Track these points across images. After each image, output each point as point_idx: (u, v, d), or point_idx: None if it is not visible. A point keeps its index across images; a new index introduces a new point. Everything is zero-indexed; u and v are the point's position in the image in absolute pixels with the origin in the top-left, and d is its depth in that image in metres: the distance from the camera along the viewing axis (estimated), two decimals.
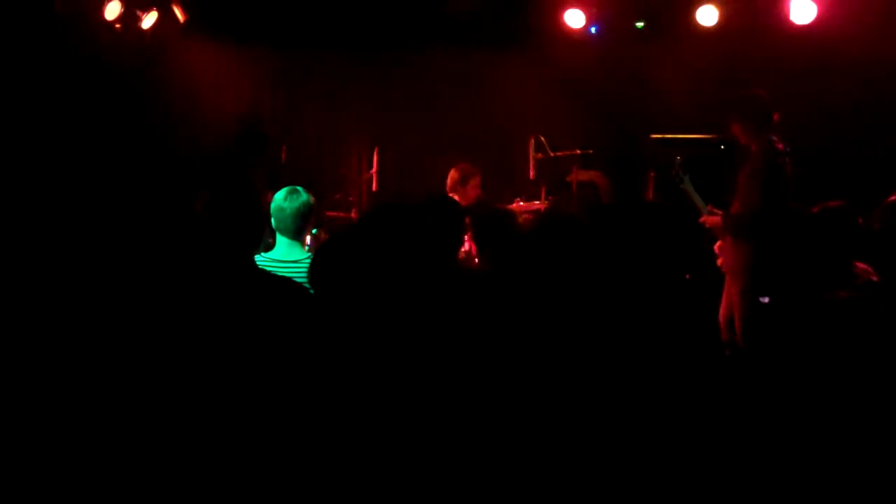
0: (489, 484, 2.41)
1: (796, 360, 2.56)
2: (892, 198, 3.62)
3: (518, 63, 8.29)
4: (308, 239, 4.91)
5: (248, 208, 3.09)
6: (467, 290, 3.28)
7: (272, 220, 4.31)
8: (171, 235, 3.23)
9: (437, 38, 8.19)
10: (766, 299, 5.38)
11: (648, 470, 2.37)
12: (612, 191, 7.62)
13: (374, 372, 2.63)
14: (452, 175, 6.99)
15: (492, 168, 7.77)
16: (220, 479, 2.55)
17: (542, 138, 7.37)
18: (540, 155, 7.39)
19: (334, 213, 7.51)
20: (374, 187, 7.74)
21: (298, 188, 4.38)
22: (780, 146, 5.63)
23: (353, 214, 7.51)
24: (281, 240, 4.34)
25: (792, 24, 7.17)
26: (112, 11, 7.12)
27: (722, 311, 5.72)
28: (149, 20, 7.42)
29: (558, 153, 7.34)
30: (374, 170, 7.73)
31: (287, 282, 3.14)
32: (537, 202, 7.14)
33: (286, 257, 4.29)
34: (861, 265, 3.68)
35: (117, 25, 7.24)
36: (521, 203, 7.00)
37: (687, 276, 3.06)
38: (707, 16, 7.49)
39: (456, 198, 6.59)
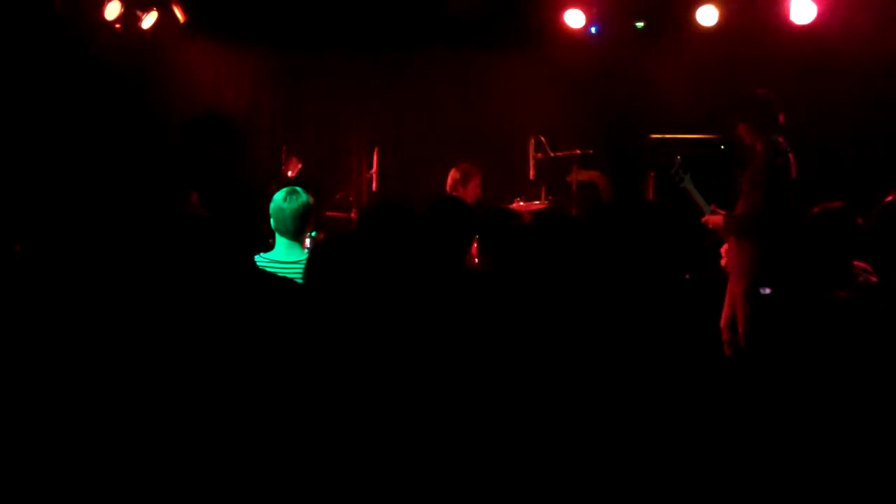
0: (488, 483, 2.41)
1: (796, 359, 2.56)
2: (891, 197, 3.62)
3: (518, 63, 8.29)
4: (307, 240, 4.91)
5: (244, 205, 3.10)
6: (468, 290, 3.28)
7: (272, 221, 4.31)
8: (170, 235, 3.23)
9: (437, 39, 8.19)
10: (768, 290, 5.38)
11: (648, 469, 2.37)
12: (612, 191, 7.63)
13: (375, 371, 2.63)
14: (453, 175, 6.99)
15: (492, 168, 7.77)
16: (219, 478, 2.55)
17: (542, 138, 7.37)
18: (540, 155, 7.39)
19: (334, 213, 7.51)
20: (374, 187, 7.74)
21: (298, 188, 4.38)
22: (784, 147, 5.64)
23: (352, 214, 7.51)
24: (280, 240, 4.34)
25: (792, 24, 7.17)
26: (112, 11, 7.12)
27: (724, 311, 5.72)
28: (149, 20, 7.42)
29: (558, 153, 7.34)
30: (374, 170, 7.73)
31: (287, 282, 3.14)
32: (537, 202, 7.14)
33: (286, 258, 4.30)
34: (861, 265, 3.68)
35: (117, 25, 7.24)
36: (521, 203, 6.99)
37: (687, 276, 3.06)
38: (707, 16, 7.49)
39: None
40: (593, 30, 7.94)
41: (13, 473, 2.61)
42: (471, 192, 6.92)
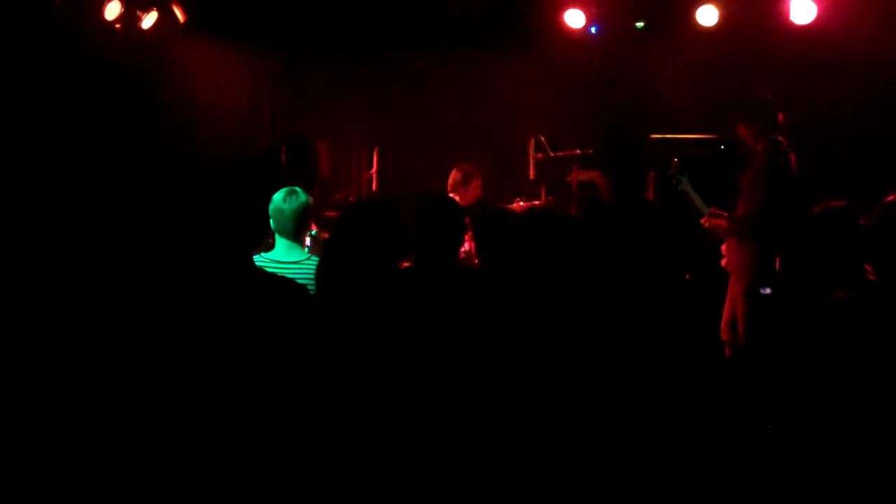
0: (487, 481, 2.41)
1: (796, 359, 2.56)
2: (891, 198, 3.62)
3: (518, 63, 8.28)
4: (307, 240, 4.91)
5: (248, 209, 3.10)
6: (467, 290, 3.28)
7: (271, 222, 4.31)
8: (170, 235, 3.24)
9: (437, 38, 8.19)
10: (768, 290, 5.39)
11: (647, 468, 2.37)
12: (612, 191, 7.62)
13: (375, 370, 2.63)
14: (454, 175, 6.99)
15: (492, 168, 7.77)
16: (219, 477, 2.55)
17: (542, 138, 7.37)
18: (540, 155, 7.39)
19: (334, 213, 7.50)
20: (374, 187, 7.74)
21: (297, 189, 4.38)
22: (784, 146, 5.65)
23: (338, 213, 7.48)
24: (280, 241, 4.34)
25: (792, 24, 7.17)
26: (112, 11, 7.12)
27: (725, 312, 5.72)
28: (149, 20, 7.42)
29: (558, 153, 7.34)
30: (374, 170, 7.73)
31: (286, 281, 3.15)
32: (537, 202, 7.13)
33: (285, 258, 4.30)
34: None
35: (117, 25, 7.23)
36: (521, 203, 6.99)
37: (687, 276, 3.06)
38: (707, 16, 7.49)
39: (456, 198, 6.61)
40: (593, 30, 7.93)
41: (13, 473, 2.61)
42: (471, 193, 6.92)
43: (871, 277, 3.49)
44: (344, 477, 2.50)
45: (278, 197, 4.32)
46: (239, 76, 8.59)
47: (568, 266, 2.75)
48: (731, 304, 5.70)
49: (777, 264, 5.52)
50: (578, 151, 7.29)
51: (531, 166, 7.43)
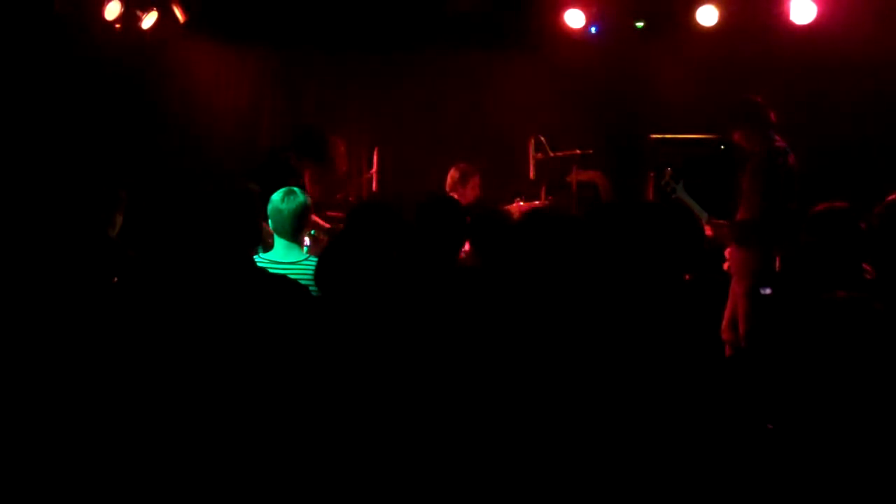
0: (485, 480, 2.41)
1: (796, 359, 2.56)
2: (891, 197, 3.62)
3: (518, 63, 8.28)
4: (306, 240, 4.91)
5: (246, 207, 3.09)
6: (467, 289, 3.28)
7: (270, 222, 4.31)
8: (171, 235, 3.24)
9: (437, 38, 8.18)
10: (768, 290, 5.39)
11: (646, 468, 2.37)
12: (612, 191, 7.62)
13: (374, 369, 2.63)
14: (452, 174, 7.00)
15: (492, 168, 7.77)
16: (220, 476, 2.55)
17: (542, 138, 7.37)
18: (540, 155, 7.39)
19: (334, 213, 7.50)
20: (374, 187, 7.74)
21: (295, 189, 4.38)
22: (782, 145, 5.65)
23: (345, 215, 7.48)
24: (279, 241, 4.34)
25: (792, 24, 7.17)
26: (112, 11, 7.12)
27: (726, 312, 5.73)
28: (149, 20, 7.42)
29: (558, 153, 7.34)
30: (374, 170, 7.73)
31: (285, 280, 3.14)
32: (537, 202, 7.13)
33: (284, 258, 4.30)
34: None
35: (117, 25, 7.23)
36: (521, 203, 6.99)
37: (687, 277, 3.06)
38: (707, 16, 7.48)
39: (455, 197, 6.61)
40: (593, 30, 7.93)
41: (14, 473, 2.61)
42: (469, 192, 6.93)
43: (871, 277, 3.50)
44: (346, 475, 2.50)
45: (276, 197, 4.32)
46: (239, 76, 8.58)
47: (568, 266, 2.74)
48: (733, 304, 5.71)
49: (777, 265, 5.53)
50: (578, 151, 7.29)
51: (531, 166, 7.43)
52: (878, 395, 2.44)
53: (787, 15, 7.16)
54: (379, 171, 7.71)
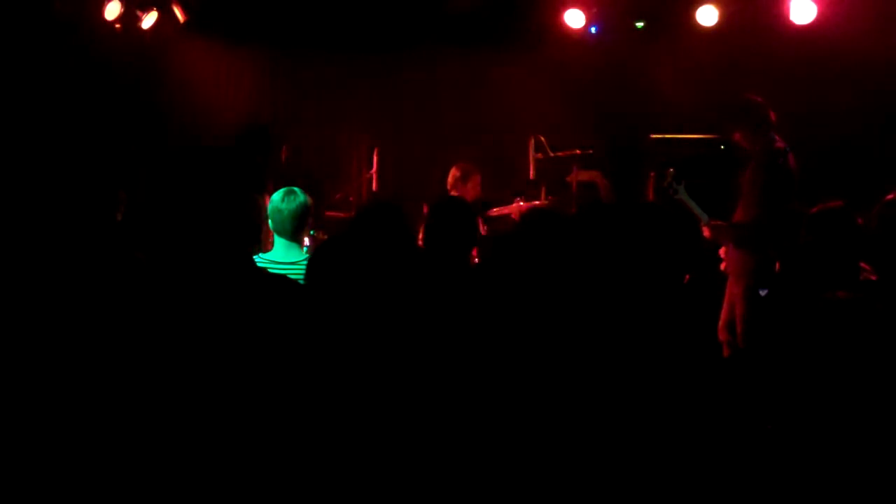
0: (483, 480, 2.41)
1: (795, 360, 2.56)
2: (890, 197, 3.62)
3: (518, 63, 8.28)
4: (307, 240, 4.91)
5: (245, 206, 3.09)
6: (474, 289, 3.28)
7: (270, 222, 4.31)
8: (170, 235, 3.23)
9: (438, 38, 8.18)
10: (765, 291, 5.39)
11: (645, 469, 2.37)
12: (612, 191, 7.62)
13: (373, 368, 2.63)
14: (453, 173, 7.02)
15: (492, 168, 7.77)
16: (220, 476, 2.55)
17: (542, 138, 7.37)
18: (540, 155, 7.39)
19: (334, 213, 7.51)
20: (374, 187, 7.75)
21: (296, 189, 4.38)
22: (782, 145, 5.65)
23: (353, 214, 7.50)
24: (279, 241, 4.34)
25: (792, 24, 7.16)
26: (112, 11, 7.12)
27: (723, 313, 5.73)
28: (149, 20, 7.42)
29: (558, 153, 7.34)
30: (374, 170, 7.74)
31: (285, 280, 3.14)
32: (537, 202, 7.14)
33: (284, 258, 4.30)
34: (861, 264, 3.67)
35: (117, 25, 7.24)
36: (521, 203, 7.00)
37: (686, 278, 3.06)
38: (707, 16, 7.48)
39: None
40: (593, 30, 7.93)
41: (14, 473, 2.61)
42: (470, 191, 6.94)
43: (871, 277, 3.50)
44: (347, 476, 2.50)
45: (276, 197, 4.32)
46: (239, 76, 8.59)
47: (564, 266, 2.74)
48: (730, 304, 5.71)
49: (776, 265, 5.53)
50: (578, 151, 7.29)
51: (531, 166, 7.43)
52: (878, 396, 2.44)
53: (787, 15, 7.15)
54: (379, 171, 7.71)
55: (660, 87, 7.78)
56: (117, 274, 3.33)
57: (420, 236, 4.39)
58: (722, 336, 5.69)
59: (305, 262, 4.27)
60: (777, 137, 5.67)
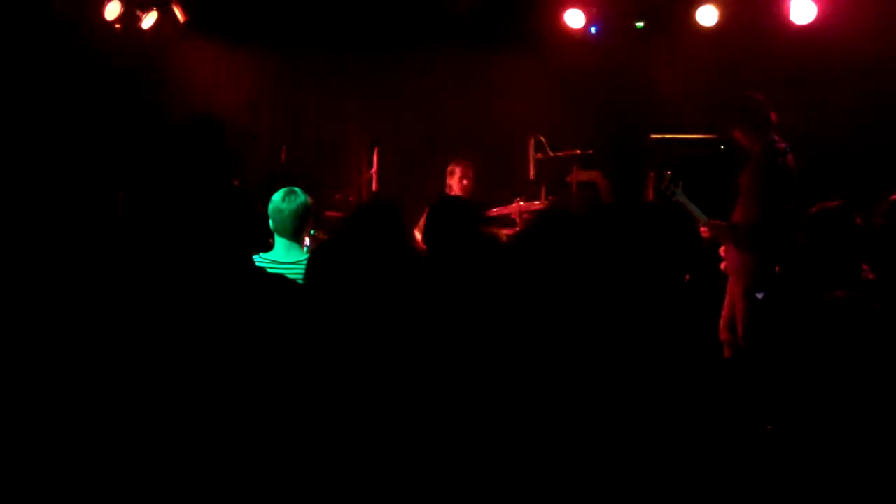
0: (484, 480, 2.41)
1: (796, 359, 2.56)
2: (893, 198, 3.62)
3: (518, 63, 8.28)
4: (307, 240, 4.91)
5: (243, 206, 3.09)
6: (466, 288, 3.28)
7: (270, 222, 4.31)
8: (169, 234, 3.23)
9: (438, 38, 8.18)
10: (761, 295, 5.39)
11: (645, 469, 2.37)
12: (612, 191, 7.62)
13: (373, 369, 2.63)
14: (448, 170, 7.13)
15: (492, 168, 7.77)
16: (220, 476, 2.55)
17: (542, 138, 7.37)
18: (540, 155, 7.39)
19: (334, 213, 7.51)
20: (374, 187, 7.75)
21: (296, 189, 4.38)
22: (782, 145, 5.65)
23: (350, 213, 7.50)
24: (279, 241, 4.34)
25: (792, 24, 7.17)
26: (112, 11, 7.12)
27: (724, 313, 5.72)
28: (149, 20, 7.43)
29: (558, 153, 7.33)
30: (374, 170, 7.73)
31: (283, 279, 3.14)
32: (537, 202, 7.14)
33: (285, 258, 4.29)
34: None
35: (117, 25, 7.24)
36: (521, 203, 7.00)
37: (686, 278, 3.06)
38: (707, 16, 7.48)
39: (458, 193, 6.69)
40: (593, 30, 7.93)
41: (13, 473, 2.61)
42: (456, 185, 7.03)
43: (870, 276, 3.50)
44: (346, 476, 2.50)
45: (277, 197, 4.32)
46: (239, 76, 8.59)
47: (567, 267, 2.74)
48: (731, 304, 5.71)
49: (776, 266, 5.52)
50: (578, 151, 7.28)
51: (531, 166, 7.43)
52: (878, 396, 2.44)
53: (787, 15, 7.16)
54: (379, 171, 7.71)
55: (660, 87, 7.78)
56: (116, 273, 3.33)
57: (419, 236, 4.41)
58: (723, 336, 5.69)
59: (306, 262, 4.28)
60: (777, 137, 5.67)
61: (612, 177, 7.67)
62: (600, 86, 8.19)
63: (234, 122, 8.35)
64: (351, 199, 7.73)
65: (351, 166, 8.63)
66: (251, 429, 2.60)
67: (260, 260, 4.24)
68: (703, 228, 5.72)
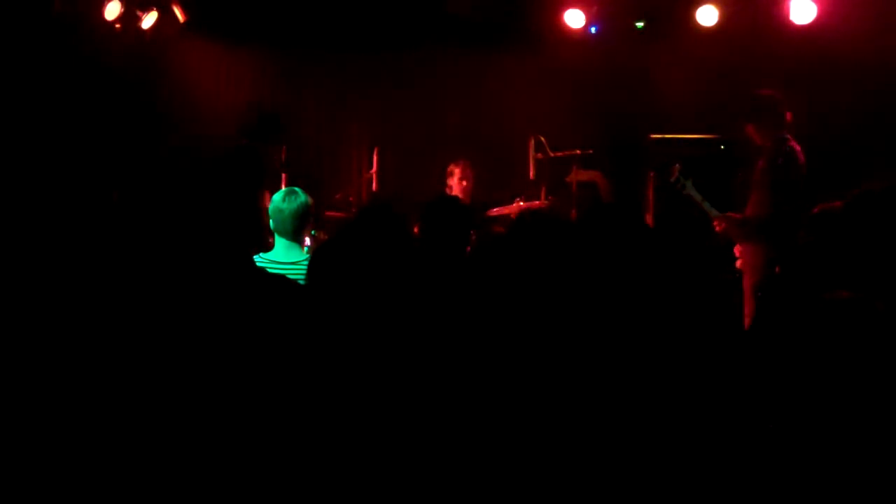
0: (484, 479, 2.41)
1: (796, 359, 2.56)
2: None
3: (518, 63, 8.28)
4: (307, 240, 4.91)
5: (245, 206, 3.09)
6: (466, 288, 3.28)
7: (271, 222, 4.31)
8: (170, 235, 3.23)
9: (438, 38, 8.18)
10: (759, 294, 5.40)
11: (645, 469, 2.37)
12: (612, 191, 7.62)
13: (373, 369, 2.63)
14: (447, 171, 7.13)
15: (492, 168, 7.77)
16: (219, 476, 2.55)
17: (542, 138, 7.37)
18: (540, 155, 7.39)
19: (334, 213, 7.51)
20: (374, 187, 7.75)
21: (296, 189, 4.39)
22: (794, 144, 5.66)
23: (353, 215, 7.51)
24: (280, 241, 4.34)
25: (792, 24, 7.17)
26: (112, 11, 7.12)
27: (747, 309, 5.72)
28: (149, 20, 7.42)
29: (558, 153, 7.34)
30: (374, 170, 7.74)
31: (284, 280, 3.14)
32: (537, 202, 7.14)
33: (285, 258, 4.30)
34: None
35: (117, 25, 7.24)
36: (522, 203, 7.00)
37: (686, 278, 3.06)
38: (707, 16, 7.48)
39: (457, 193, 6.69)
40: (593, 30, 7.93)
41: (13, 473, 2.60)
42: (456, 186, 7.02)
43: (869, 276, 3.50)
44: (343, 475, 2.50)
45: (277, 197, 4.33)
46: (239, 76, 8.59)
47: (561, 268, 2.74)
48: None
49: (776, 266, 5.53)
50: (578, 151, 7.29)
51: (531, 166, 7.44)
52: (880, 396, 2.44)
53: (787, 15, 7.16)
54: (379, 171, 7.72)
55: (660, 87, 7.77)
56: (116, 273, 3.33)
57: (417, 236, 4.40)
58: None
59: (306, 262, 4.28)
60: (789, 137, 5.67)
61: (612, 177, 7.68)
62: (600, 86, 8.19)
63: (234, 122, 8.36)
64: (351, 199, 7.74)
65: (351, 166, 8.64)
66: (251, 429, 2.60)
67: (260, 260, 4.24)
68: (714, 222, 5.72)
